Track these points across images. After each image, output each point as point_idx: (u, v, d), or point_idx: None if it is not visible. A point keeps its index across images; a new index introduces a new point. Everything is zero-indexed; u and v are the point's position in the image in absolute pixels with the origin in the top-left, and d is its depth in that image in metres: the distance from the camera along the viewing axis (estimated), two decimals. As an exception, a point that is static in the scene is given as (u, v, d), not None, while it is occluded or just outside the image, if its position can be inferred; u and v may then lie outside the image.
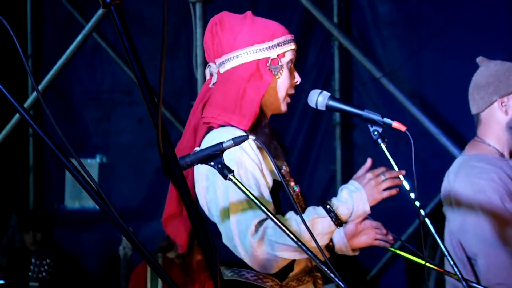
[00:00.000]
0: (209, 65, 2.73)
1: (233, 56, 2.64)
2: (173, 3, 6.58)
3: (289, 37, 2.69)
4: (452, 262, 2.63)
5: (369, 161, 2.61)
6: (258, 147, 2.58)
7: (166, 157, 1.70)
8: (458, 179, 3.33)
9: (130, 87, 7.11)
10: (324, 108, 2.73)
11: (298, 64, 2.75)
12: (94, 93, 7.35)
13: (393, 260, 6.49)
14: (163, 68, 1.65)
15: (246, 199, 2.42)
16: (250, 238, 2.45)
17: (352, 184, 2.56)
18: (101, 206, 1.64)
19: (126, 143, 7.22)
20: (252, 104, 2.60)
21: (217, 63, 2.68)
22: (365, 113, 2.68)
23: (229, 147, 2.19)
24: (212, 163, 2.18)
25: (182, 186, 1.75)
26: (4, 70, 6.52)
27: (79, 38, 6.21)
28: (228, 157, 2.47)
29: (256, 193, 2.50)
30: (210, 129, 2.62)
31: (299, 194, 2.76)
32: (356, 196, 2.52)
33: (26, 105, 6.43)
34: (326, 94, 2.73)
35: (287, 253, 2.47)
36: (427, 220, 2.61)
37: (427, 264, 2.86)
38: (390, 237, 2.89)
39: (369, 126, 2.68)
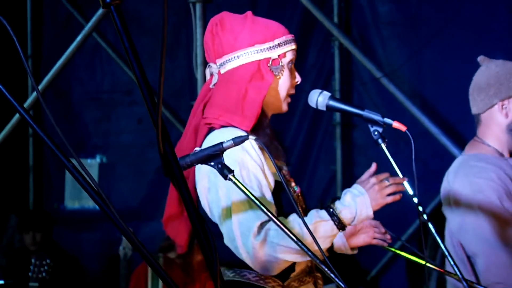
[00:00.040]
0: (209, 65, 2.73)
1: (234, 57, 2.64)
2: (173, 3, 6.58)
3: (290, 37, 2.69)
4: (452, 262, 2.63)
5: (373, 166, 2.61)
6: (260, 148, 2.58)
7: (166, 157, 1.70)
8: (457, 179, 3.34)
9: (130, 87, 7.11)
10: (324, 108, 2.73)
11: (298, 64, 2.75)
12: (94, 93, 7.35)
13: (394, 261, 6.49)
14: (163, 68, 1.64)
15: (248, 200, 2.41)
16: (252, 239, 2.45)
17: (356, 188, 2.56)
18: (101, 206, 1.64)
19: (126, 143, 7.22)
20: (253, 104, 2.60)
21: (217, 64, 2.68)
22: (366, 113, 2.68)
23: (229, 147, 2.19)
24: (212, 163, 2.18)
25: (182, 186, 1.74)
26: (4, 70, 6.52)
27: (79, 38, 6.21)
28: (231, 158, 2.47)
29: (258, 194, 2.50)
30: (211, 129, 2.62)
31: (299, 194, 2.76)
32: (359, 201, 2.52)
33: (26, 105, 6.43)
34: (327, 94, 2.73)
35: (289, 255, 2.47)
36: (427, 219, 2.61)
37: (428, 265, 2.86)
38: (388, 236, 2.88)
39: (369, 126, 2.67)
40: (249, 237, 2.45)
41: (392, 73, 6.13)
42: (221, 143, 2.18)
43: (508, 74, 3.31)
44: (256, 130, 2.62)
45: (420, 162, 5.00)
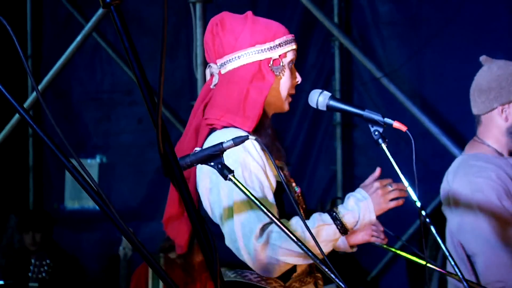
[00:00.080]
0: (209, 66, 2.72)
1: (235, 57, 2.63)
2: (173, 3, 6.58)
3: (290, 37, 2.69)
4: (453, 263, 2.63)
5: (377, 171, 2.61)
6: (262, 148, 2.57)
7: (166, 157, 1.70)
8: (456, 179, 3.34)
9: (130, 87, 7.11)
10: (324, 108, 2.72)
11: (298, 64, 2.75)
12: (94, 93, 7.35)
13: (394, 261, 6.49)
14: (163, 68, 1.64)
15: (250, 201, 2.41)
16: (254, 242, 2.44)
17: (359, 192, 2.56)
18: (101, 207, 1.64)
19: (126, 143, 7.22)
20: (255, 105, 2.60)
21: (218, 64, 2.67)
22: (366, 113, 2.67)
23: (229, 147, 2.19)
24: (212, 164, 2.18)
25: (182, 187, 1.74)
26: (4, 70, 6.52)
27: (79, 38, 6.21)
28: (232, 159, 2.47)
29: (259, 196, 2.50)
30: (212, 130, 2.62)
31: (299, 194, 2.76)
32: (362, 205, 2.52)
33: (26, 105, 6.42)
34: (327, 94, 2.72)
35: (291, 258, 2.46)
36: (427, 220, 2.60)
37: (428, 265, 2.86)
38: (383, 236, 2.88)
39: (369, 126, 2.67)
40: (251, 239, 2.45)
41: (392, 73, 6.13)
42: (221, 143, 2.18)
43: (509, 77, 3.30)
44: (258, 130, 2.62)
45: (421, 162, 4.98)
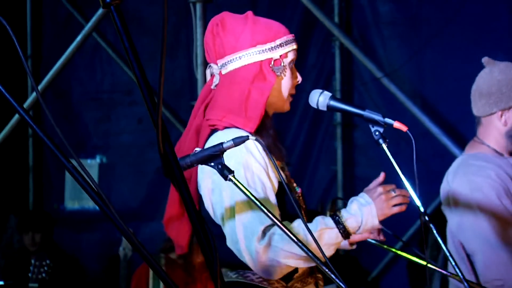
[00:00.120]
0: (210, 66, 2.72)
1: (236, 57, 2.63)
2: (173, 3, 6.57)
3: (291, 37, 2.69)
4: (454, 263, 2.63)
5: (381, 176, 2.61)
6: (263, 149, 2.57)
7: (166, 158, 1.69)
8: (456, 178, 3.35)
9: (130, 87, 7.10)
10: (325, 108, 2.72)
11: (298, 64, 2.75)
12: (94, 93, 7.35)
13: (395, 261, 6.48)
14: (163, 68, 1.64)
15: (252, 202, 2.41)
16: (256, 243, 2.44)
17: (363, 197, 2.56)
18: (101, 207, 1.63)
19: (126, 143, 7.21)
20: (257, 106, 2.59)
21: (219, 64, 2.67)
22: (366, 113, 2.67)
23: (229, 148, 2.19)
24: (212, 164, 2.17)
25: (182, 187, 1.74)
26: (4, 70, 6.51)
27: (79, 38, 6.21)
28: (235, 160, 2.47)
29: (262, 197, 2.50)
30: (214, 130, 2.61)
31: (299, 195, 2.75)
32: (365, 210, 2.52)
33: (25, 105, 6.42)
34: (327, 94, 2.72)
35: (292, 260, 2.46)
36: (428, 220, 2.60)
37: (429, 265, 2.86)
38: (380, 235, 2.89)
39: (370, 126, 2.67)
40: (252, 241, 2.44)
41: (393, 73, 6.13)
42: (221, 143, 2.18)
43: (510, 83, 3.31)
44: (259, 131, 2.61)
45: (421, 162, 4.98)
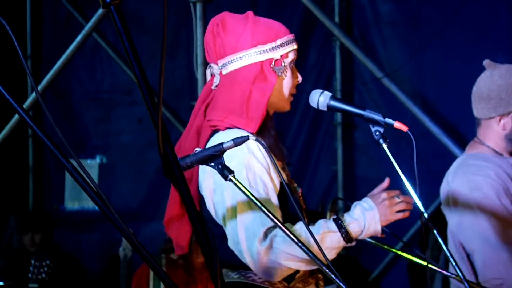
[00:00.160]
0: (210, 66, 2.71)
1: (236, 58, 2.63)
2: (173, 3, 6.57)
3: (291, 37, 2.69)
4: (454, 263, 2.63)
5: (386, 181, 2.61)
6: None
7: (166, 158, 1.69)
8: (456, 178, 3.36)
9: (130, 87, 7.10)
10: (325, 108, 2.72)
11: (299, 64, 2.74)
12: (94, 93, 7.34)
13: (395, 262, 6.48)
14: (163, 68, 1.63)
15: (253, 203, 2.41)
16: (258, 245, 2.44)
17: (366, 201, 2.56)
18: (100, 207, 1.63)
19: (126, 143, 7.21)
20: (258, 106, 2.59)
21: (219, 65, 2.66)
22: (367, 113, 2.67)
23: (229, 148, 2.19)
24: (212, 164, 2.17)
25: (182, 187, 1.73)
26: (4, 71, 6.51)
27: (78, 38, 6.20)
28: (237, 161, 2.47)
29: (264, 198, 2.49)
30: (215, 131, 2.61)
31: (300, 195, 2.75)
32: (368, 215, 2.52)
33: (25, 105, 6.42)
34: (328, 94, 2.72)
35: (293, 263, 2.46)
36: (428, 219, 2.60)
37: (429, 265, 2.85)
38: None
39: (370, 126, 2.67)
40: (254, 242, 2.44)
41: (393, 73, 6.13)
42: (222, 143, 2.18)
43: (509, 88, 3.31)
44: (261, 131, 2.61)
45: (422, 163, 4.98)
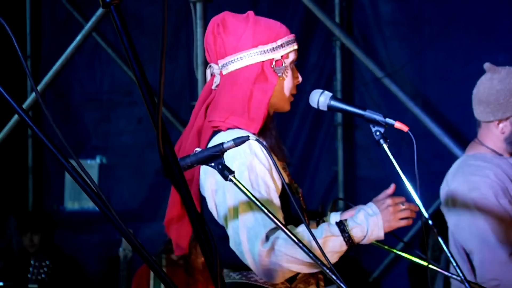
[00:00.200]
0: (210, 66, 2.71)
1: (237, 58, 2.62)
2: (173, 2, 6.57)
3: (292, 37, 2.68)
4: (455, 264, 2.63)
5: (392, 187, 2.62)
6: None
7: (166, 158, 1.68)
8: (455, 179, 3.38)
9: (129, 88, 7.10)
10: (325, 109, 2.71)
11: (299, 64, 2.74)
12: (94, 94, 7.34)
13: (396, 262, 6.48)
14: (163, 68, 1.63)
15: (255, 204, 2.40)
16: (260, 247, 2.43)
17: (370, 207, 2.55)
18: (100, 208, 1.63)
19: (126, 144, 7.21)
20: (260, 106, 2.59)
21: (219, 65, 2.66)
22: (367, 113, 2.66)
23: (229, 148, 2.19)
24: (212, 164, 2.17)
25: (182, 188, 1.73)
26: (3, 71, 6.51)
27: (78, 38, 6.20)
28: (240, 162, 2.47)
29: (266, 199, 2.49)
30: (217, 131, 2.60)
31: (300, 195, 2.74)
32: (372, 221, 2.52)
33: (25, 106, 6.41)
34: (328, 94, 2.71)
35: (294, 266, 2.45)
36: (429, 220, 2.60)
37: (430, 266, 2.85)
38: None
39: (371, 126, 2.66)
40: (256, 244, 2.44)
41: (394, 73, 6.12)
42: (222, 143, 2.18)
43: (508, 93, 3.32)
44: (263, 132, 2.61)
45: (422, 163, 4.98)
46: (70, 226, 7.27)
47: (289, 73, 2.67)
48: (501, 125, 3.35)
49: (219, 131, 2.59)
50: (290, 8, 6.59)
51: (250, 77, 2.60)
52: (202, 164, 2.19)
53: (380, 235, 2.53)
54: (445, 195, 3.41)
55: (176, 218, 2.68)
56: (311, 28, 6.67)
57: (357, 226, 2.50)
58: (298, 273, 2.59)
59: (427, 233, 5.02)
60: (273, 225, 2.43)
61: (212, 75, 2.70)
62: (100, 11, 5.99)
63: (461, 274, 2.61)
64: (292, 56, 2.67)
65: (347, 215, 2.85)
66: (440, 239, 2.60)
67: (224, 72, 2.65)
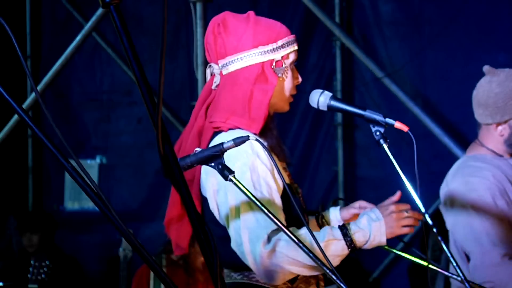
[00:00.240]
0: (210, 66, 2.71)
1: (237, 58, 2.62)
2: (173, 2, 6.57)
3: (292, 37, 2.68)
4: (455, 264, 2.63)
5: (397, 194, 2.61)
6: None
7: (166, 158, 1.68)
8: (454, 179, 3.39)
9: (129, 88, 7.10)
10: (325, 109, 2.71)
11: (299, 64, 2.74)
12: (94, 94, 7.34)
13: (396, 262, 6.47)
14: (163, 68, 1.63)
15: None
16: (261, 248, 2.43)
17: (374, 212, 2.56)
18: (100, 208, 1.63)
19: (126, 144, 7.21)
20: (260, 107, 2.59)
21: (220, 65, 2.65)
22: (367, 113, 2.66)
23: (229, 148, 2.19)
24: (212, 164, 2.17)
25: (182, 188, 1.73)
26: (3, 71, 6.50)
27: (78, 38, 6.19)
28: (242, 162, 2.47)
29: (267, 199, 2.48)
30: (217, 132, 2.60)
31: (301, 196, 2.74)
32: (375, 226, 2.52)
33: (25, 106, 6.41)
34: (328, 94, 2.71)
35: (296, 268, 2.45)
36: (429, 220, 2.60)
37: (430, 266, 2.85)
38: None
39: (371, 126, 2.66)
40: (257, 245, 2.43)
41: (394, 73, 6.12)
42: (222, 143, 2.18)
43: (506, 97, 3.32)
44: (263, 132, 2.61)
45: (422, 163, 4.98)
46: (70, 226, 7.27)
47: (289, 73, 2.67)
48: (500, 128, 3.35)
49: (220, 131, 2.59)
50: (290, 8, 6.59)
51: (250, 78, 2.60)
52: (202, 164, 2.19)
53: (382, 241, 2.53)
54: (444, 196, 3.42)
55: (176, 218, 2.68)
56: (311, 28, 6.66)
57: (360, 231, 2.50)
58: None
59: (427, 233, 5.02)
60: (275, 226, 2.43)
61: (212, 75, 2.69)
62: (100, 11, 5.99)
63: (461, 274, 2.61)
64: (292, 57, 2.67)
65: (345, 211, 2.86)
66: (440, 239, 2.60)
67: (224, 72, 2.64)
